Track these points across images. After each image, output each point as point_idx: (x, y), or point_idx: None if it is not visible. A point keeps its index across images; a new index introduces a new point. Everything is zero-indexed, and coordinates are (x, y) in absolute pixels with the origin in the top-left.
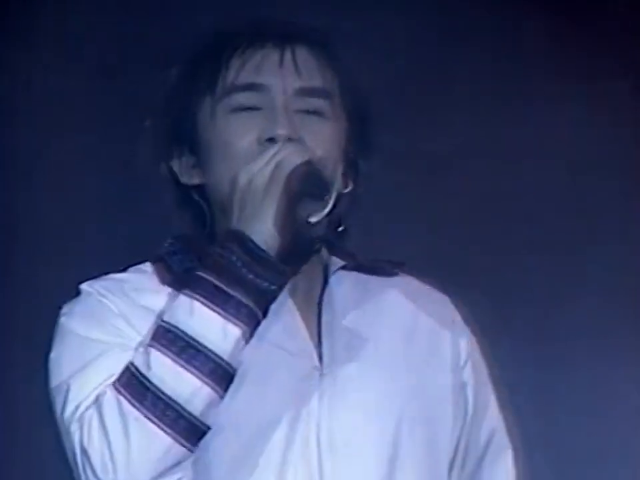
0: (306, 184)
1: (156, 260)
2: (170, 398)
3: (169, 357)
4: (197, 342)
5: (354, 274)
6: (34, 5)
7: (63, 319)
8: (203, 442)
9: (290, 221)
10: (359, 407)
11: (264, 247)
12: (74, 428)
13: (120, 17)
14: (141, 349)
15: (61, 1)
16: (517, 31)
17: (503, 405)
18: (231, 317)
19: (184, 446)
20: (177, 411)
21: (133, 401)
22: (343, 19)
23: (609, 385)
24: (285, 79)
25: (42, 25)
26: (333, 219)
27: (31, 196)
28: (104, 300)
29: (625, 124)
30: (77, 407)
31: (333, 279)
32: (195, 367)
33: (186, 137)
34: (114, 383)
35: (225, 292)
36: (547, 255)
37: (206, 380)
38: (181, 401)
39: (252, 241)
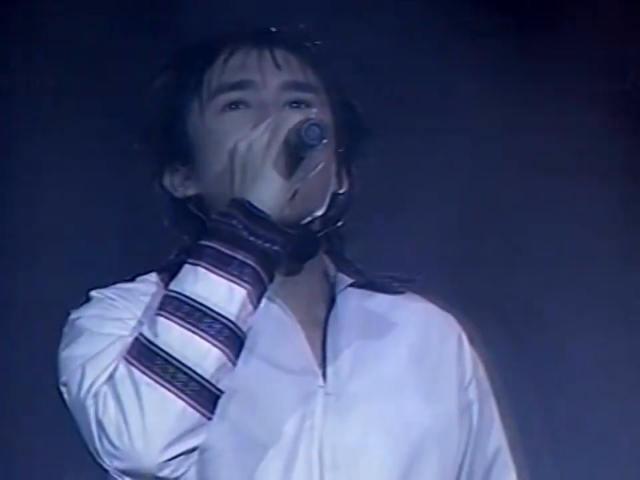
0: (303, 134)
1: (161, 270)
2: (179, 362)
3: (175, 322)
4: (203, 305)
5: (361, 291)
6: (34, 5)
7: (75, 321)
8: (205, 456)
9: (292, 179)
10: (362, 425)
11: (265, 209)
12: (89, 403)
13: (120, 17)
14: (148, 319)
15: (61, 2)
16: (516, 33)
17: (507, 423)
18: (234, 278)
19: (198, 410)
20: (187, 374)
21: (143, 368)
22: (341, 21)
23: (617, 399)
24: (269, 75)
25: (42, 25)
26: (330, 217)
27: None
28: (115, 303)
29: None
30: (92, 385)
31: (340, 297)
32: (201, 329)
33: (177, 150)
34: (124, 355)
35: (227, 255)
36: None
37: (214, 342)
38: (190, 364)
39: (251, 204)
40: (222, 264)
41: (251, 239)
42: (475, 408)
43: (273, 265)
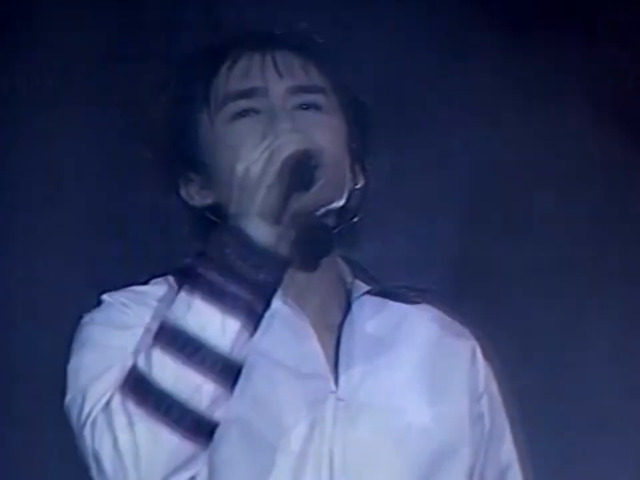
0: (295, 174)
1: (176, 273)
2: (172, 396)
3: (169, 355)
4: (196, 338)
5: (377, 299)
6: (34, 6)
7: (84, 328)
8: (214, 458)
9: (285, 211)
10: (373, 432)
11: (260, 239)
12: (86, 432)
13: (119, 16)
14: (144, 350)
15: (61, 2)
16: (516, 33)
17: (517, 437)
18: (228, 311)
19: (192, 443)
20: (180, 409)
21: (138, 401)
22: (340, 21)
23: (629, 412)
24: (273, 82)
25: (42, 26)
26: (345, 212)
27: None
28: (126, 309)
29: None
30: (90, 412)
31: (356, 304)
32: (195, 363)
33: (189, 160)
34: (120, 386)
35: (220, 286)
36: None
37: (208, 376)
38: (183, 398)
39: (245, 233)
40: (216, 295)
41: (245, 269)
42: (487, 420)
43: (268, 293)
